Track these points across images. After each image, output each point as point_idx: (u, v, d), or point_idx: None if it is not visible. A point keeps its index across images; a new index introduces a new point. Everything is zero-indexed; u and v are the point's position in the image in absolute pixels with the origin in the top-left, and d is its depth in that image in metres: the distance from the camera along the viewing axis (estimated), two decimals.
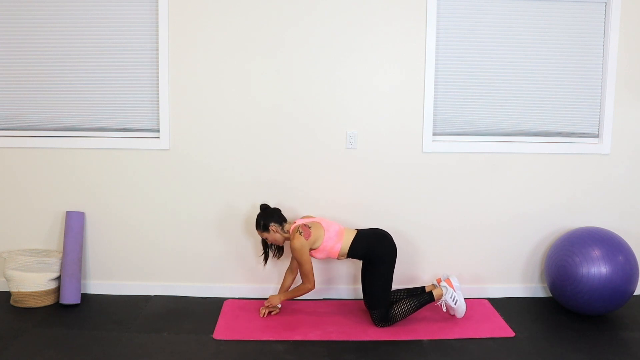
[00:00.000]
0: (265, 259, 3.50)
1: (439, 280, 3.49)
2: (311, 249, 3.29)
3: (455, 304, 3.32)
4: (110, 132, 3.68)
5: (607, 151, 3.75)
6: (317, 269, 3.74)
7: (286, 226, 3.37)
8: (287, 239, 3.39)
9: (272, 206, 3.61)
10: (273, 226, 3.34)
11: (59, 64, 3.63)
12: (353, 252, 3.31)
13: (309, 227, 3.29)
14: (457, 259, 3.79)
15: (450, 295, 3.33)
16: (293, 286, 3.61)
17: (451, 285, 3.36)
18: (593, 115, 3.77)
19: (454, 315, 3.43)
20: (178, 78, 3.61)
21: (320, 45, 3.60)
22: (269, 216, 3.35)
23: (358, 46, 3.60)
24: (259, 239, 3.71)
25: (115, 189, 3.70)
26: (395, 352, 2.98)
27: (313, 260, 3.68)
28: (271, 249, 3.50)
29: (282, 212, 3.45)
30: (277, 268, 3.75)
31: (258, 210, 3.69)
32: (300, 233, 3.25)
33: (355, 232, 3.36)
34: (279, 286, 3.73)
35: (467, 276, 3.80)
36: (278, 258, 3.54)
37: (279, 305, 3.46)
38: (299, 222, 3.37)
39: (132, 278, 3.77)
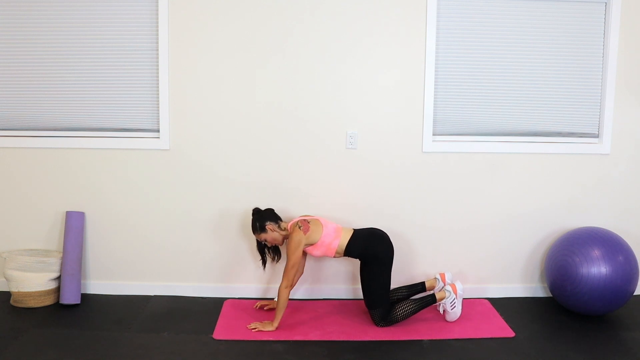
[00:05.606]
0: (264, 263, 3.50)
1: (442, 275, 3.48)
2: (309, 245, 3.29)
3: (451, 309, 3.34)
4: (110, 132, 3.68)
5: (607, 151, 3.75)
6: (317, 268, 3.74)
7: (282, 224, 3.38)
8: (286, 237, 3.39)
9: (266, 207, 3.58)
10: (270, 225, 3.34)
11: (58, 64, 3.63)
12: (349, 251, 3.32)
13: (308, 222, 3.31)
14: (457, 258, 3.79)
15: (450, 301, 3.34)
16: (294, 286, 3.59)
17: (455, 291, 3.37)
18: (593, 115, 3.77)
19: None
20: (178, 78, 3.61)
21: (320, 45, 3.60)
22: (263, 217, 3.35)
23: (358, 46, 3.60)
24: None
25: (115, 189, 3.69)
26: (395, 352, 2.98)
27: (309, 257, 3.68)
28: (268, 254, 3.49)
29: (281, 212, 3.44)
30: (278, 269, 3.75)
31: None
32: (299, 227, 3.26)
33: (352, 231, 3.37)
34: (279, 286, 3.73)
35: (467, 276, 3.80)
36: (277, 262, 3.54)
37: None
38: (298, 219, 3.38)
39: (132, 278, 3.77)
